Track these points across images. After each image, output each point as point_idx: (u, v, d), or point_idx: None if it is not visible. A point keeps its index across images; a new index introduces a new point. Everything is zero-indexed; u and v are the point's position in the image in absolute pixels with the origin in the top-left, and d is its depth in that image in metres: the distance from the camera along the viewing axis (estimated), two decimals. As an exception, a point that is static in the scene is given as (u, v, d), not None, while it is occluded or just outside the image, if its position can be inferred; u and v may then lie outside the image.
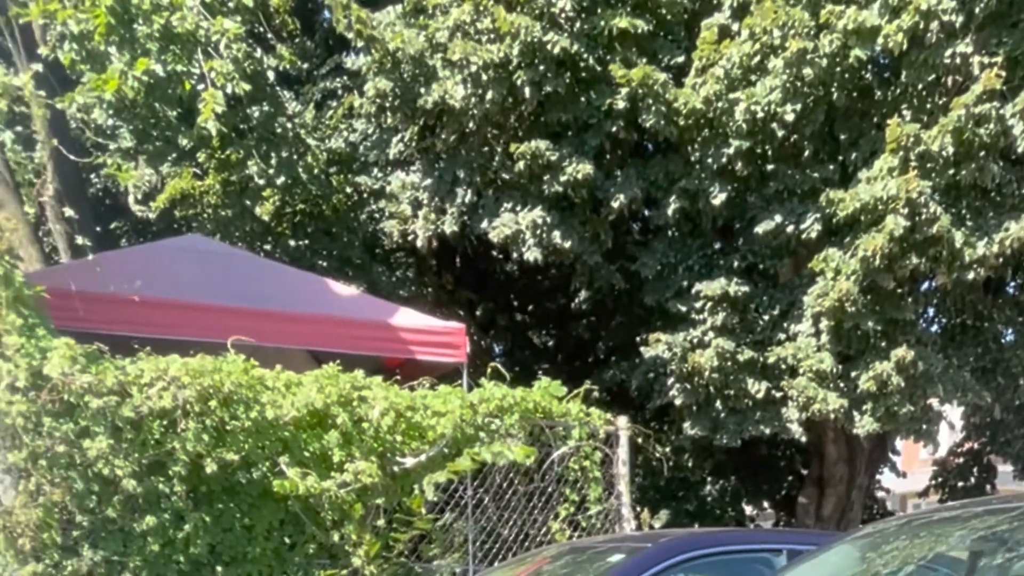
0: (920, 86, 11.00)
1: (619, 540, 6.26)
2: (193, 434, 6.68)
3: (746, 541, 5.76)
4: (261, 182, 12.88)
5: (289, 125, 13.30)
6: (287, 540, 7.09)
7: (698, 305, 12.13)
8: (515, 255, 12.76)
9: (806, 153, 11.84)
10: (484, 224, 12.48)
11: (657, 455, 8.40)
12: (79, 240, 7.66)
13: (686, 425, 12.19)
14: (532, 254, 12.26)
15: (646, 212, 13.45)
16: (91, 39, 10.70)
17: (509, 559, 7.10)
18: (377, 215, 14.17)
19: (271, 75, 13.75)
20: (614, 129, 12.03)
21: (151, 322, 8.01)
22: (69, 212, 7.95)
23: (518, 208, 12.45)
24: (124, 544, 6.63)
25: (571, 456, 7.89)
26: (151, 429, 6.66)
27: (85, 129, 10.14)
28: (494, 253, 14.99)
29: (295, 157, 13.05)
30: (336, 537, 6.98)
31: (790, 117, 11.17)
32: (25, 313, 6.82)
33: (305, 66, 15.58)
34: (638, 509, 7.97)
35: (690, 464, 14.76)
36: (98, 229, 11.23)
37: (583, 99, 12.09)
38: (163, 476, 6.65)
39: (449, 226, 12.82)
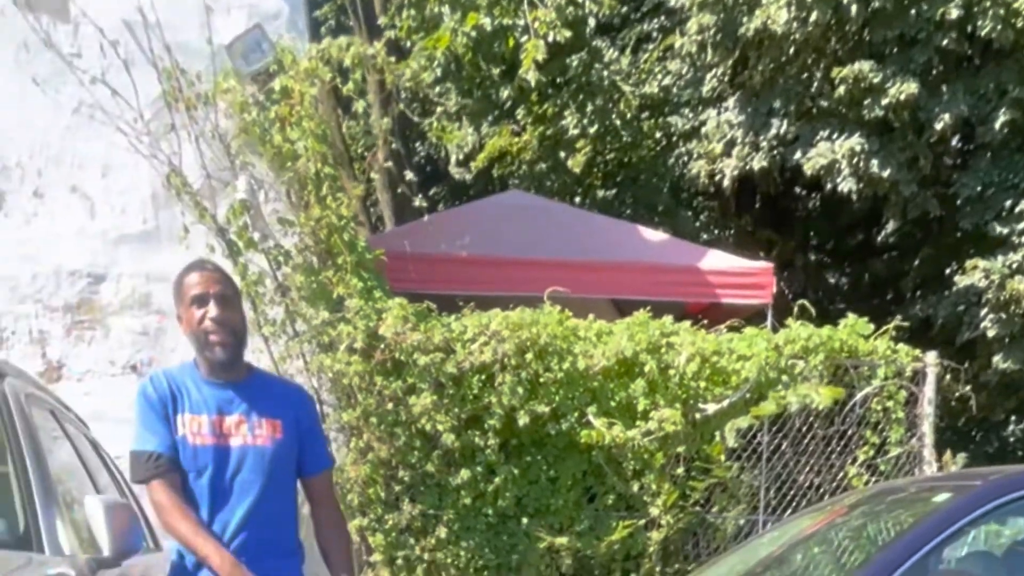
0: None
1: (936, 480, 5.94)
2: (509, 387, 6.85)
3: (1086, 477, 5.22)
4: (575, 132, 13.02)
5: (605, 73, 13.36)
6: (588, 491, 7.18)
7: (1021, 227, 11.38)
8: (827, 187, 12.36)
9: None
10: (798, 156, 12.16)
11: (958, 393, 7.93)
12: (416, 202, 8.07)
13: (996, 359, 11.46)
14: (846, 185, 11.86)
15: (969, 130, 12.67)
16: (426, 5, 11.20)
17: (805, 508, 6.97)
18: (685, 158, 14.05)
19: (591, 22, 13.85)
20: (944, 42, 11.31)
21: (474, 279, 8.34)
22: (409, 175, 8.37)
23: (835, 136, 12.05)
24: (440, 498, 6.93)
25: (874, 396, 7.60)
26: (470, 384, 6.89)
27: (418, 93, 10.63)
28: (797, 189, 14.55)
29: (609, 105, 13.13)
30: (636, 487, 7.03)
31: None
32: (365, 276, 7.21)
33: (623, 10, 15.55)
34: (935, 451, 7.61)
35: (991, 402, 13.88)
36: (421, 196, 11.75)
37: (912, 12, 11.40)
38: (479, 430, 6.87)
39: (759, 162, 12.57)
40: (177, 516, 3.50)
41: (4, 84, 7.53)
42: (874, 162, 11.75)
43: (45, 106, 7.50)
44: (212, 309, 3.57)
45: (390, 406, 6.84)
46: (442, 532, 6.85)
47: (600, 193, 13.98)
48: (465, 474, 6.85)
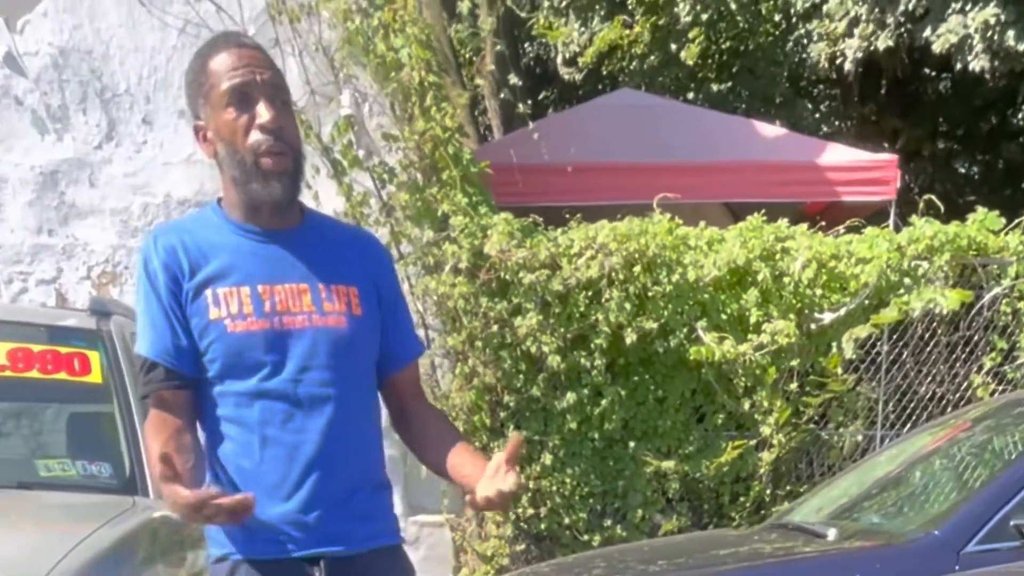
0: None
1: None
2: (616, 303, 6.68)
3: None
4: (688, 20, 12.48)
5: (720, -49, 12.76)
6: (696, 411, 7.01)
7: None
8: (957, 66, 11.67)
9: None
10: (927, 33, 11.49)
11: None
12: (520, 108, 7.91)
13: None
14: (978, 63, 11.17)
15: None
16: None
17: (926, 422, 6.70)
18: (804, 41, 13.38)
19: None
20: None
21: (582, 189, 8.14)
22: (513, 79, 8.15)
23: (967, 8, 11.33)
24: (545, 423, 6.81)
25: (1004, 297, 7.17)
26: (576, 302, 6.74)
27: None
28: (926, 71, 13.74)
29: (724, -14, 12.58)
30: (746, 405, 6.83)
31: None
32: (470, 191, 7.06)
33: None
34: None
35: None
36: (529, 102, 11.49)
37: None
38: (585, 350, 6.74)
39: (884, 41, 11.90)
40: (148, 439, 2.33)
41: (112, 8, 7.57)
42: (1010, 34, 11.00)
43: (152, 28, 7.53)
44: (263, 111, 2.26)
45: (495, 328, 6.74)
46: (547, 459, 6.77)
47: (714, 87, 13.44)
48: (571, 397, 6.72)
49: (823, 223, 7.53)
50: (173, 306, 2.29)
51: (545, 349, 6.67)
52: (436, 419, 2.57)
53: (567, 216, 7.17)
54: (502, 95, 8.24)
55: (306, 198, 7.08)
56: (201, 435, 2.35)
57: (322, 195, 7.15)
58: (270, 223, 2.34)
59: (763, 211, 7.29)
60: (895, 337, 7.11)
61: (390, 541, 2.44)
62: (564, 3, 12.81)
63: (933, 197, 7.68)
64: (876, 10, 11.98)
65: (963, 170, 16.64)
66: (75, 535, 3.05)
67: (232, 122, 2.26)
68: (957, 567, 3.99)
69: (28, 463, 3.93)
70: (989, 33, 11.07)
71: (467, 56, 12.62)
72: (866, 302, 6.97)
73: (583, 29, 13.55)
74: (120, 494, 3.56)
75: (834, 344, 6.89)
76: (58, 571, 2.79)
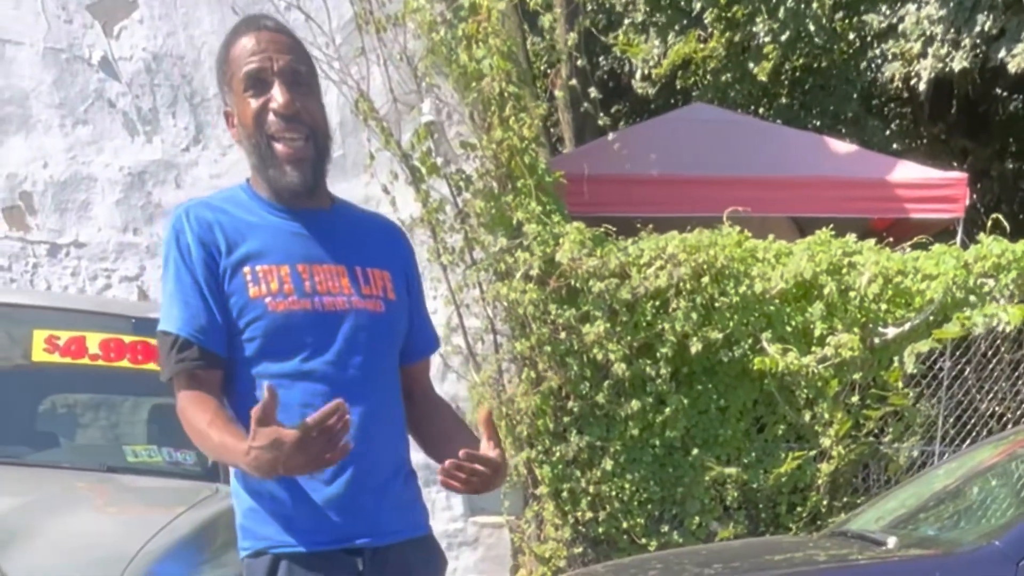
0: None
1: None
2: (683, 313, 6.69)
3: None
4: (766, 40, 12.41)
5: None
6: (757, 421, 6.98)
7: None
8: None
9: None
10: (1002, 54, 11.31)
11: None
12: (600, 121, 7.98)
13: None
14: (1054, 83, 10.98)
15: None
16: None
17: (985, 438, 6.62)
18: (879, 60, 13.23)
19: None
20: None
21: (653, 200, 8.16)
22: (593, 92, 8.17)
23: (1046, 29, 11.13)
24: (607, 429, 6.83)
25: (1068, 316, 7.07)
26: (644, 311, 6.76)
27: (603, 4, 10.30)
28: (997, 91, 13.49)
29: (802, 6, 12.46)
30: (807, 417, 6.80)
31: None
32: (544, 200, 7.09)
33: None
34: None
35: None
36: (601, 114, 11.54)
37: None
38: (650, 359, 6.75)
39: (959, 62, 11.73)
40: (189, 413, 2.18)
41: (207, 15, 7.73)
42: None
43: (244, 36, 7.65)
44: (277, 94, 2.20)
45: (563, 335, 6.76)
46: (608, 464, 6.79)
47: (784, 101, 13.30)
48: (634, 404, 6.72)
49: (890, 239, 7.46)
50: (209, 282, 2.20)
51: (611, 356, 6.69)
52: (445, 411, 2.53)
53: (638, 226, 7.18)
54: (582, 108, 8.25)
55: (384, 203, 7.30)
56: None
57: (399, 200, 7.28)
58: (299, 204, 2.28)
59: (831, 226, 7.25)
60: (958, 353, 7.04)
61: (425, 531, 2.39)
62: (643, 19, 12.75)
63: (1000, 216, 7.58)
64: (952, 30, 11.82)
65: (1029, 191, 16.33)
66: (160, 519, 3.16)
67: (249, 107, 2.22)
68: (1016, 578, 3.97)
69: (117, 449, 4.05)
70: (1067, 55, 10.87)
71: (541, 68, 12.68)
72: (931, 318, 6.89)
73: (660, 46, 13.51)
74: (203, 481, 3.68)
75: (896, 358, 6.83)
76: (144, 552, 2.90)
